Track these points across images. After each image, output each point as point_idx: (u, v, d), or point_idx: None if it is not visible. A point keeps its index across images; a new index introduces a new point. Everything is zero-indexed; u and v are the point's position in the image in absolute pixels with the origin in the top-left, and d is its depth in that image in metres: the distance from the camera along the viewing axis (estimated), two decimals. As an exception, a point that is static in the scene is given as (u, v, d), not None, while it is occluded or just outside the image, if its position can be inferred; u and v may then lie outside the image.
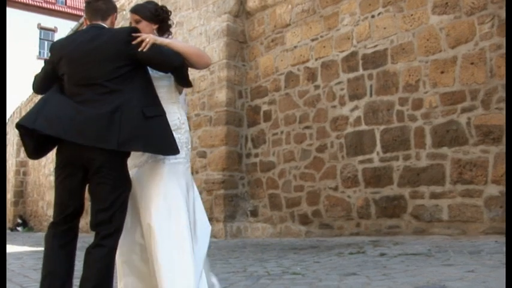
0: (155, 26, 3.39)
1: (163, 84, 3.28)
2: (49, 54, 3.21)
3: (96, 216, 2.93)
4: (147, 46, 3.02)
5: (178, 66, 3.18)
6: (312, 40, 8.97)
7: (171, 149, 3.05)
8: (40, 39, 38.35)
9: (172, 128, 3.13)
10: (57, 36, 35.01)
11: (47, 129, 2.84)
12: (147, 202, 3.08)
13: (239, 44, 10.31)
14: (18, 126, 2.91)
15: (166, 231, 2.98)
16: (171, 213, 3.04)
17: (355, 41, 8.26)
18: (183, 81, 3.31)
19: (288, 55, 9.45)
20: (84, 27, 3.29)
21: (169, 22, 3.51)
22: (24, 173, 21.44)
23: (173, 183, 3.12)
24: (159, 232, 2.97)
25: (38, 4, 37.51)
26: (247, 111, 10.17)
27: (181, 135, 3.25)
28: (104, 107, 2.89)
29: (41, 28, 38.17)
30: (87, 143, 2.83)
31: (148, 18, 3.37)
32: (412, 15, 7.50)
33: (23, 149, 20.45)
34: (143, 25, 3.33)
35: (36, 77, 3.26)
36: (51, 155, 12.12)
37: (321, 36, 8.83)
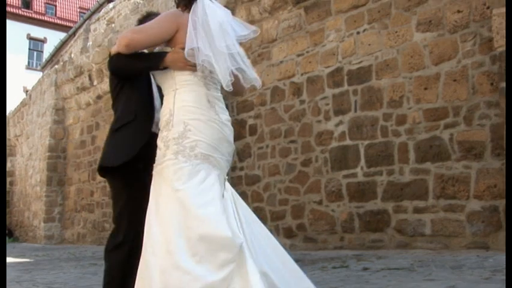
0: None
1: (162, 72, 2.99)
2: None
3: None
4: None
5: None
6: (298, 55, 9.05)
7: (103, 159, 3.19)
8: (29, 49, 38.40)
9: (161, 126, 2.89)
10: (47, 47, 35.01)
11: None
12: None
13: (227, 58, 10.35)
14: None
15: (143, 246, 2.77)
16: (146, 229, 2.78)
17: (340, 57, 8.35)
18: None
19: (274, 70, 9.52)
20: None
21: None
22: (11, 183, 21.33)
23: (151, 197, 2.84)
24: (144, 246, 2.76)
25: (27, 15, 37.58)
26: (233, 125, 10.17)
27: (168, 131, 2.84)
28: None
29: (31, 38, 38.22)
30: None
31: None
32: (396, 32, 7.61)
33: (10, 158, 20.37)
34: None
35: None
36: (38, 164, 11.99)
37: (307, 52, 8.91)
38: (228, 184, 2.92)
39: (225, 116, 2.93)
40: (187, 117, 2.81)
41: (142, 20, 3.36)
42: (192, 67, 2.85)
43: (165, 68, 2.93)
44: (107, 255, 3.16)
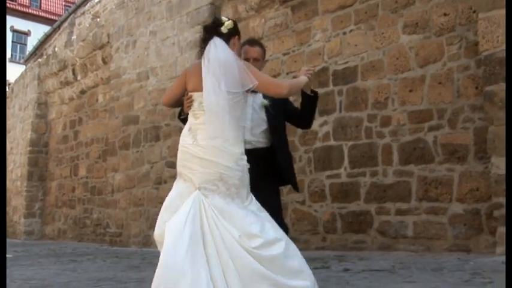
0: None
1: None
2: None
3: None
4: None
5: None
6: (284, 54, 9.03)
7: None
8: (13, 42, 38.00)
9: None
10: (30, 40, 34.71)
11: None
12: None
13: (212, 55, 10.28)
14: None
15: None
16: None
17: (326, 57, 8.34)
18: None
19: (260, 68, 9.46)
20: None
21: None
22: (-9, 178, 21.12)
23: None
24: None
25: (11, 6, 37.12)
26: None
27: None
28: None
29: (14, 31, 37.84)
30: None
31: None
32: (382, 33, 7.61)
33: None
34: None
35: None
36: (19, 159, 11.86)
37: (293, 51, 8.89)
38: (198, 192, 3.24)
39: (203, 137, 3.30)
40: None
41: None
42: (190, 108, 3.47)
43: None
44: None
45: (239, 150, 3.32)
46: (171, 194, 3.36)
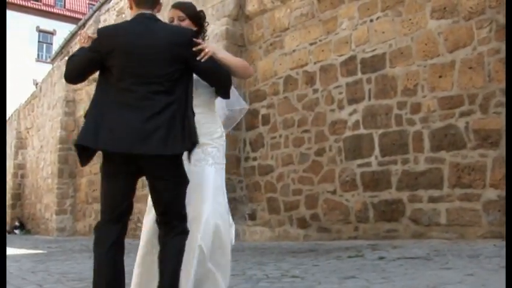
0: (195, 29, 3.27)
1: (206, 91, 3.27)
2: (96, 42, 3.03)
3: (168, 210, 3.01)
4: (206, 57, 2.98)
5: (227, 85, 3.21)
6: (311, 44, 8.99)
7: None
8: (39, 41, 38.44)
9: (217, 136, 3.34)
10: (56, 39, 35.03)
11: (111, 147, 2.87)
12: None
13: (238, 47, 10.30)
14: (78, 145, 2.93)
15: None
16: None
17: (353, 45, 8.28)
18: (224, 95, 3.27)
19: (286, 59, 9.46)
20: (132, 14, 3.12)
21: (205, 28, 3.45)
22: (22, 176, 21.40)
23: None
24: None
25: (36, 7, 37.58)
26: (245, 115, 10.15)
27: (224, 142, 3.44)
28: (158, 109, 2.87)
29: (40, 31, 38.25)
30: (154, 153, 2.84)
31: (192, 18, 3.31)
32: (410, 19, 7.52)
33: (21, 151, 20.43)
34: (186, 24, 3.25)
35: (74, 63, 3.09)
36: (50, 157, 12.02)
37: (320, 40, 8.85)
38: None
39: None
40: None
41: None
42: None
43: None
44: None
45: None
46: None
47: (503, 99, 6.43)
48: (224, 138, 3.41)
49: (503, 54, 6.48)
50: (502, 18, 6.48)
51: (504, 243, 5.85)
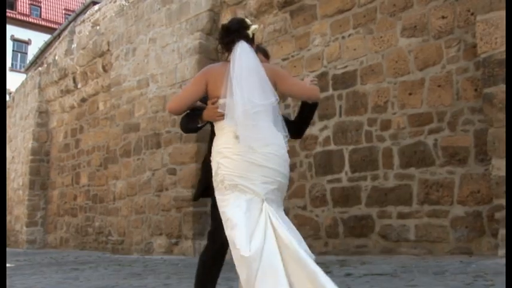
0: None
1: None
2: None
3: None
4: None
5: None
6: (283, 59, 9.03)
7: None
8: (13, 51, 38.08)
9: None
10: (31, 49, 34.79)
11: None
12: None
13: (211, 61, 10.28)
14: None
15: None
16: None
17: (325, 61, 8.34)
18: None
19: (259, 73, 9.46)
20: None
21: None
22: (-7, 187, 21.10)
23: None
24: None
25: (11, 15, 37.22)
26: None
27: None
28: None
29: (14, 40, 37.90)
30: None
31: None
32: (381, 37, 7.61)
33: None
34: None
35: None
36: (21, 168, 11.85)
37: (292, 56, 8.90)
38: (265, 204, 3.04)
39: (258, 144, 3.09)
40: (218, 157, 3.16)
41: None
42: (222, 117, 3.16)
43: (208, 122, 3.35)
44: None
45: (287, 155, 3.23)
46: (239, 211, 3.00)
47: (471, 117, 6.53)
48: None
49: (471, 73, 6.59)
50: (470, 38, 6.59)
51: (470, 259, 5.93)
